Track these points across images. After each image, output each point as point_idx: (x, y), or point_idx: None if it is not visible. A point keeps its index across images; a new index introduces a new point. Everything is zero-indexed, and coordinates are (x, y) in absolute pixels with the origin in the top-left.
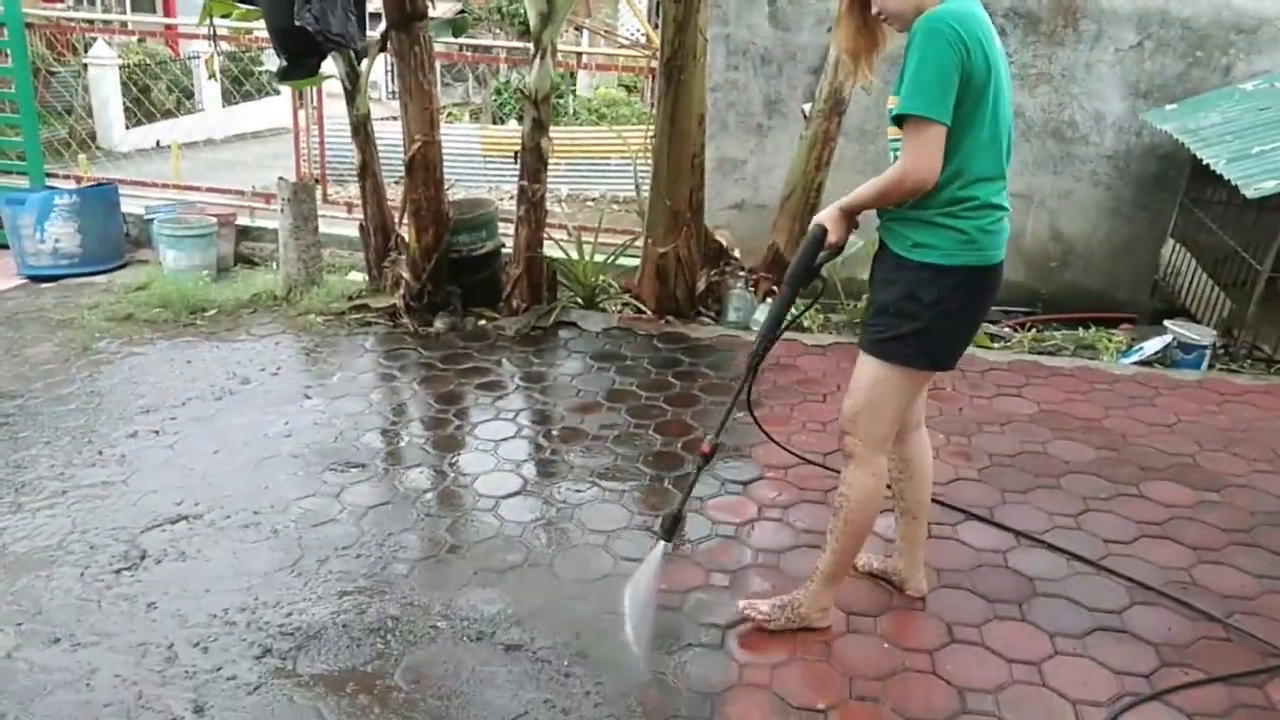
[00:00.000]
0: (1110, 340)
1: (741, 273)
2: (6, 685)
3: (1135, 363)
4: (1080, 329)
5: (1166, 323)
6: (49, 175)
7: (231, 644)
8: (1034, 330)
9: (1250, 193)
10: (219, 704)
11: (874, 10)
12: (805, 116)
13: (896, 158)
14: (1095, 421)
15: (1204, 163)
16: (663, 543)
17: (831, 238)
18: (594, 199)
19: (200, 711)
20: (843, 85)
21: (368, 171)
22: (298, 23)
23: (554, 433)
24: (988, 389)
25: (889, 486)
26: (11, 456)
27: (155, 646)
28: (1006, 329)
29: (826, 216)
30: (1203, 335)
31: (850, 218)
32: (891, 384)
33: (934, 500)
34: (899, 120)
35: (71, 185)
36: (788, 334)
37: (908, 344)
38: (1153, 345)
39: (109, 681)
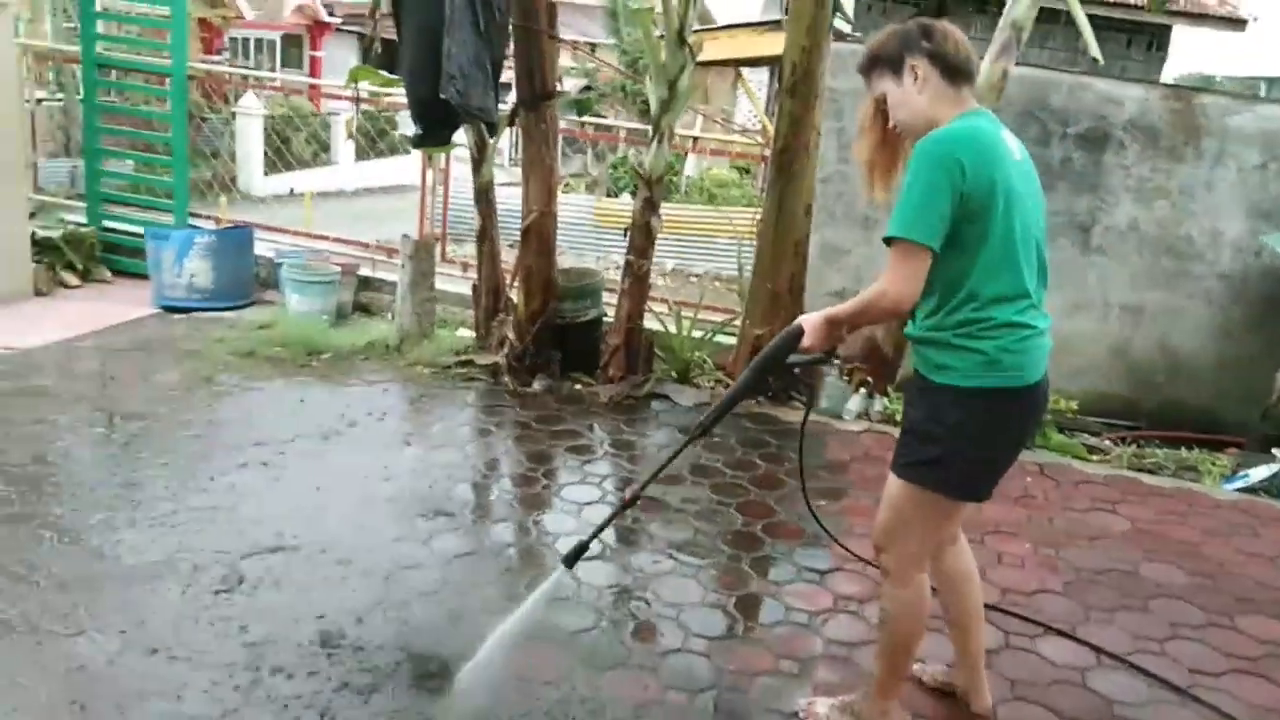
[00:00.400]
0: (1214, 464)
1: (837, 361)
2: (108, 688)
3: (1239, 489)
4: (1184, 449)
5: (1275, 450)
6: (192, 214)
7: (315, 674)
8: (1135, 446)
9: None
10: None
11: (890, 124)
12: None
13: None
14: (1192, 546)
15: None
16: (562, 567)
17: (808, 341)
18: (697, 275)
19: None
20: None
21: (486, 236)
22: (443, 95)
23: (637, 501)
24: (1081, 502)
25: (941, 594)
26: (132, 474)
27: (244, 667)
28: (1107, 442)
29: (808, 320)
30: None
31: (834, 328)
32: (918, 507)
33: (1013, 614)
34: (887, 241)
35: (211, 225)
36: (880, 426)
37: (931, 469)
38: (1259, 472)
39: (198, 696)
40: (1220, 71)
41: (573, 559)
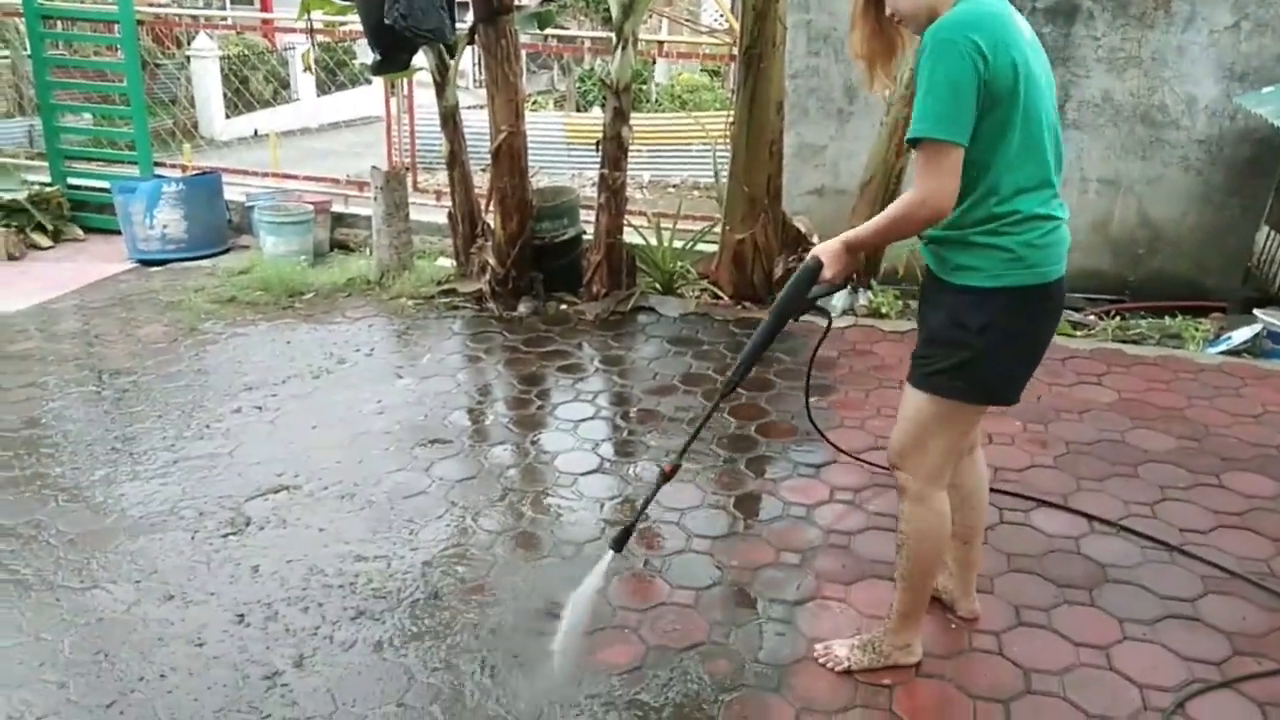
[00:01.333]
0: (1197, 329)
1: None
2: (128, 636)
3: (1222, 352)
4: (1167, 318)
5: (1256, 311)
6: (156, 164)
7: (329, 605)
8: (1119, 318)
9: None
10: (317, 660)
11: (888, 12)
12: (887, 101)
13: None
14: (1177, 411)
15: None
16: (611, 553)
17: (828, 273)
18: (675, 185)
19: (300, 666)
20: None
21: (456, 161)
22: (387, 20)
23: (631, 414)
24: (1067, 376)
25: None
26: (127, 429)
27: (260, 604)
28: (1090, 317)
29: (826, 250)
30: None
31: (855, 253)
32: (941, 420)
33: (1006, 492)
34: (913, 143)
35: (177, 174)
36: (865, 320)
37: (956, 377)
38: (1241, 334)
39: (218, 636)
40: None
41: (620, 542)
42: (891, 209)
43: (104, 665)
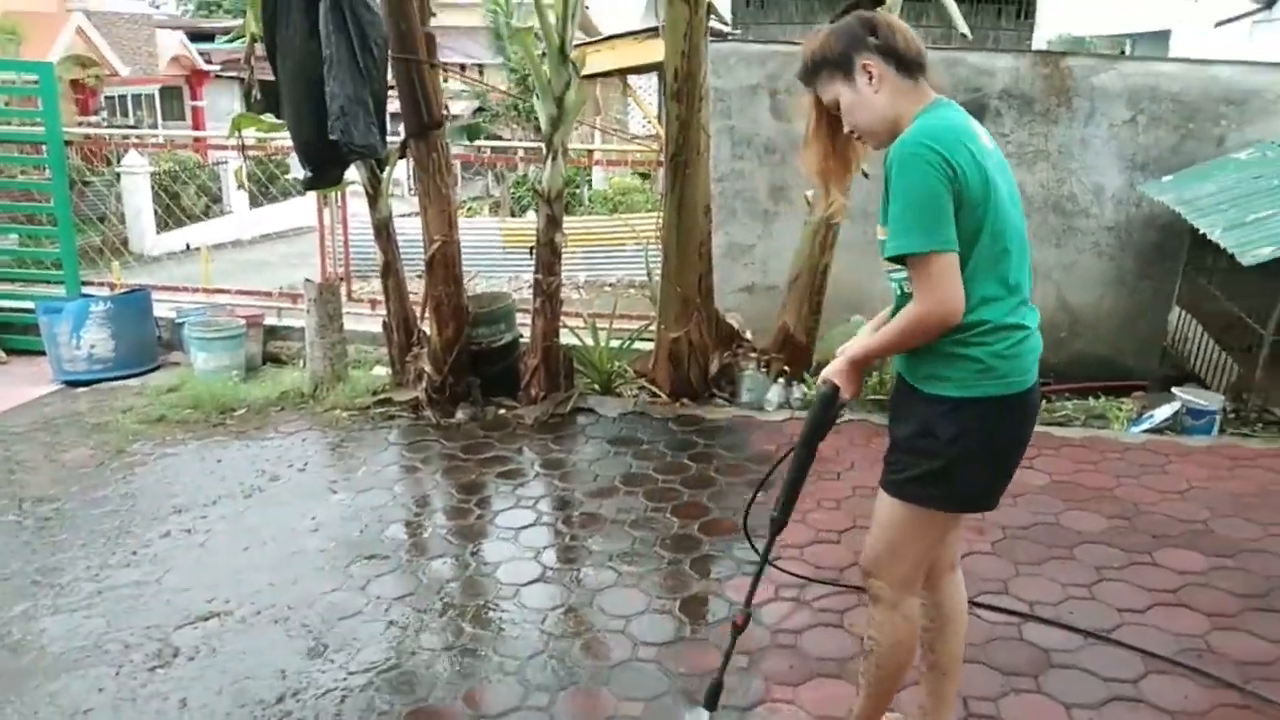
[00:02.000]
0: (1120, 409)
1: (754, 354)
2: None
3: (1146, 430)
4: (1090, 399)
5: (1175, 390)
6: (84, 283)
7: None
8: (1045, 400)
9: (1247, 260)
10: None
11: (846, 129)
12: (809, 203)
13: (898, 289)
14: (1107, 490)
15: (1201, 232)
16: (707, 714)
17: (845, 394)
18: (611, 284)
19: None
20: None
21: (390, 270)
22: (332, 137)
23: (573, 518)
24: None
25: (925, 630)
26: (50, 559)
27: None
28: None
29: (836, 372)
30: (1211, 401)
31: (860, 369)
32: (914, 526)
33: None
34: (899, 260)
35: (105, 292)
36: (800, 413)
37: (930, 485)
38: (1162, 413)
39: None
40: (1091, 31)
41: (712, 700)
42: (899, 322)
43: None
